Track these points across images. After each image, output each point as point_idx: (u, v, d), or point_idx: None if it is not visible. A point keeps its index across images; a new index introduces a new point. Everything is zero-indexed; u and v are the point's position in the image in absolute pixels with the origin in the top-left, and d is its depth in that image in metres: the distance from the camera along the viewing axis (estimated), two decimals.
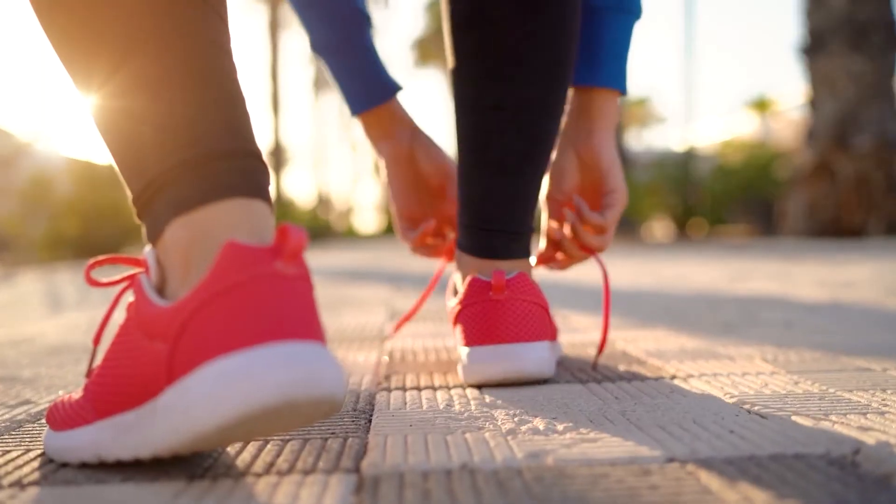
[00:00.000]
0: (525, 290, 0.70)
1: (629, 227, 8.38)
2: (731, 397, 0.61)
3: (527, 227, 0.76)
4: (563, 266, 0.85)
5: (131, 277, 0.50)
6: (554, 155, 0.82)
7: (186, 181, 0.46)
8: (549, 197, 0.83)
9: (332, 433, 0.54)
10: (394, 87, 0.85)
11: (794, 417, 0.54)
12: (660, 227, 8.46)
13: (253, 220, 0.46)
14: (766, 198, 7.29)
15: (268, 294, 0.42)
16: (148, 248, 0.48)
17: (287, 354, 0.41)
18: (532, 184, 0.75)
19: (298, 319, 0.42)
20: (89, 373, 0.51)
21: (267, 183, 0.49)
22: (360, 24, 0.83)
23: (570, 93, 0.83)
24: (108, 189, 6.10)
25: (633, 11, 0.81)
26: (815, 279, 1.91)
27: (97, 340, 0.52)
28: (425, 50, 19.40)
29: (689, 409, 0.57)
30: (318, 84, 20.51)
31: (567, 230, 0.82)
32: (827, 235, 5.14)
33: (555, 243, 0.84)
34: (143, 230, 0.49)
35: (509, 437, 0.51)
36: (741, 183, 7.40)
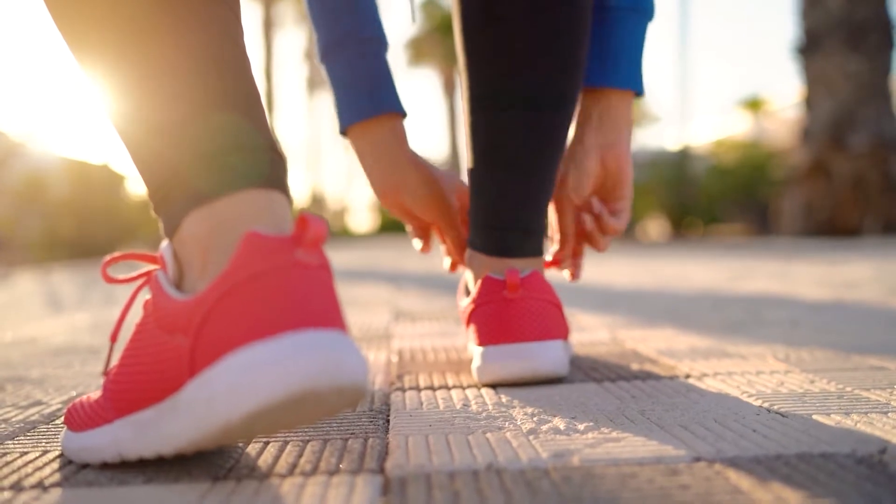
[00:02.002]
0: (539, 288, 0.70)
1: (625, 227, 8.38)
2: (749, 396, 0.61)
3: (539, 226, 0.75)
4: (562, 266, 0.85)
5: (148, 274, 0.50)
6: (575, 156, 0.81)
7: (204, 174, 0.46)
8: (563, 197, 0.82)
9: (352, 433, 0.54)
10: (399, 107, 0.78)
11: (815, 416, 0.54)
12: (655, 227, 8.47)
13: (271, 211, 0.46)
14: (760, 197, 7.31)
15: (289, 283, 0.41)
16: (165, 243, 0.48)
17: (311, 343, 0.41)
18: (545, 182, 0.75)
19: (321, 308, 0.42)
20: (106, 372, 0.51)
21: (284, 174, 0.49)
22: (374, 32, 0.80)
23: (586, 95, 0.82)
24: (102, 189, 6.08)
25: (647, 11, 0.81)
26: (815, 278, 1.92)
27: (114, 338, 0.52)
28: (419, 49, 19.39)
29: (708, 409, 0.57)
30: (312, 84, 20.49)
31: (588, 225, 0.81)
32: (823, 235, 5.15)
33: (565, 244, 0.84)
34: (160, 225, 0.49)
35: (531, 437, 0.51)
36: (736, 182, 7.41)
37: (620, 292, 1.73)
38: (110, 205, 5.95)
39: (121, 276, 0.53)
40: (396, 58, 20.13)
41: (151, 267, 0.50)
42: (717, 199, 7.59)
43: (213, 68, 0.47)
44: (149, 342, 0.45)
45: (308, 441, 0.52)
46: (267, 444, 0.51)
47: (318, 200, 18.55)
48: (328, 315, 0.42)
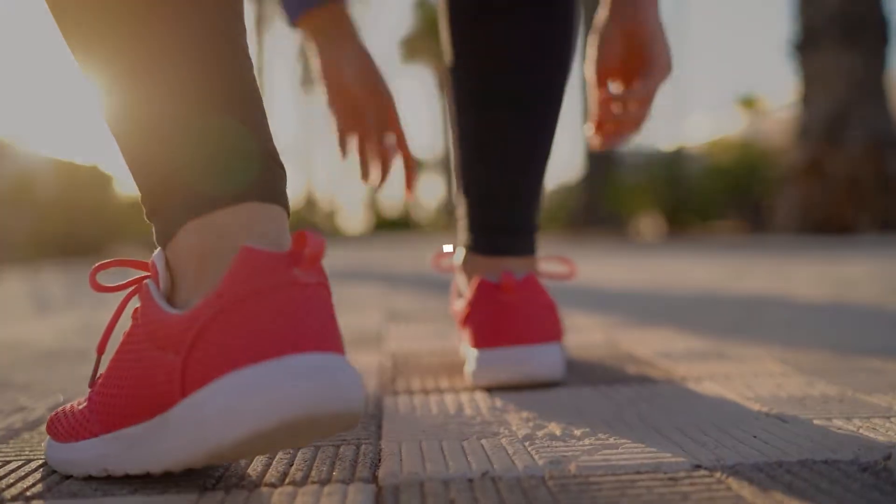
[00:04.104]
0: (534, 291, 0.69)
1: (619, 225, 8.40)
2: (748, 399, 0.60)
3: (532, 224, 0.75)
4: (615, 131, 0.79)
5: (137, 282, 0.48)
6: (598, 28, 0.76)
7: (202, 182, 0.44)
8: (592, 72, 0.77)
9: (344, 440, 0.52)
10: None
11: (816, 421, 0.53)
12: (650, 225, 8.48)
13: (271, 226, 0.44)
14: (753, 195, 7.31)
15: (286, 303, 0.40)
16: (157, 251, 0.46)
17: (307, 367, 0.39)
18: (537, 179, 0.75)
19: (317, 330, 0.40)
20: (93, 382, 0.49)
21: (284, 187, 0.47)
22: None
23: None
24: (91, 189, 6.05)
25: None
26: (813, 277, 1.91)
27: (101, 350, 0.50)
28: (412, 47, 19.39)
29: (707, 413, 0.56)
30: (305, 83, 20.44)
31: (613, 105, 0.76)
32: (818, 233, 5.15)
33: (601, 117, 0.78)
34: (154, 231, 0.47)
35: (527, 444, 0.50)
36: (731, 182, 7.42)
37: (616, 292, 1.73)
38: (99, 205, 5.92)
39: (110, 284, 0.51)
40: (390, 56, 20.13)
41: (142, 274, 0.48)
42: (711, 199, 7.59)
43: (216, 67, 0.45)
44: (138, 356, 0.43)
45: (299, 448, 0.50)
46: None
47: (309, 201, 18.53)
48: (325, 337, 0.41)
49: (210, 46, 0.45)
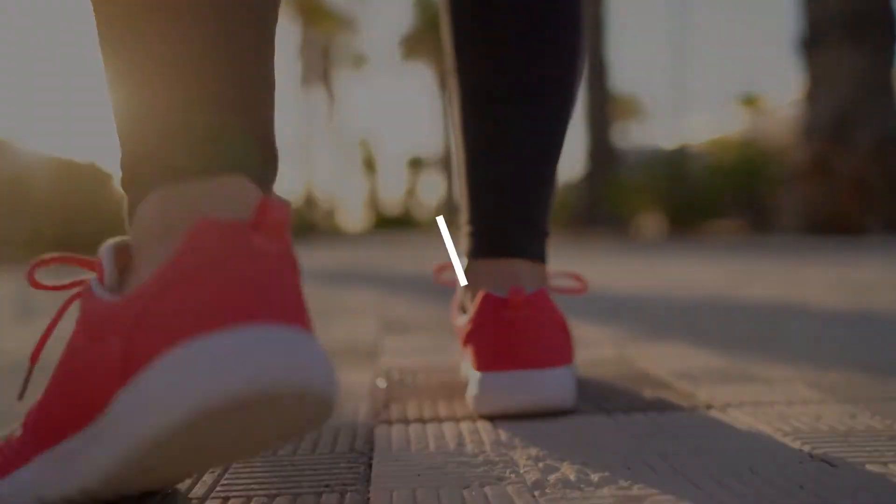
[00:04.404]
0: (544, 308, 0.62)
1: (620, 224, 8.34)
2: (786, 435, 0.53)
3: (542, 226, 0.69)
4: None
5: (82, 283, 0.43)
6: None
7: (173, 149, 0.39)
8: None
9: (327, 486, 0.46)
10: None
11: (868, 466, 0.46)
12: (651, 225, 8.42)
13: (243, 202, 0.39)
14: (756, 195, 7.25)
15: (243, 272, 0.34)
16: (105, 246, 0.41)
17: (262, 338, 0.33)
18: (544, 177, 0.69)
19: (278, 301, 0.34)
20: (22, 395, 0.43)
21: (273, 179, 0.43)
22: None
23: None
24: (88, 187, 6.00)
25: None
26: (827, 282, 1.84)
27: (35, 359, 0.44)
28: (413, 45, 19.33)
29: (741, 452, 0.49)
30: (305, 82, 20.40)
31: None
32: (824, 233, 5.08)
33: None
34: (125, 204, 0.42)
35: (537, 493, 0.43)
36: (732, 180, 7.36)
37: (623, 298, 1.66)
38: (97, 203, 5.86)
39: (52, 283, 0.45)
40: (390, 54, 20.14)
41: (89, 275, 0.43)
42: (714, 198, 7.54)
43: (233, 43, 0.41)
44: (76, 359, 0.38)
45: (275, 496, 0.44)
46: (227, 500, 0.44)
47: (309, 199, 18.49)
48: (287, 309, 0.35)
49: (212, 13, 0.40)
